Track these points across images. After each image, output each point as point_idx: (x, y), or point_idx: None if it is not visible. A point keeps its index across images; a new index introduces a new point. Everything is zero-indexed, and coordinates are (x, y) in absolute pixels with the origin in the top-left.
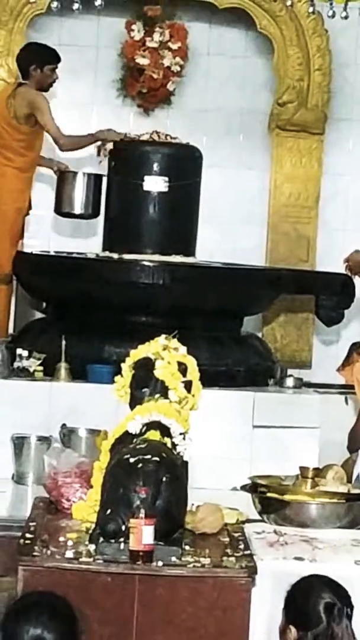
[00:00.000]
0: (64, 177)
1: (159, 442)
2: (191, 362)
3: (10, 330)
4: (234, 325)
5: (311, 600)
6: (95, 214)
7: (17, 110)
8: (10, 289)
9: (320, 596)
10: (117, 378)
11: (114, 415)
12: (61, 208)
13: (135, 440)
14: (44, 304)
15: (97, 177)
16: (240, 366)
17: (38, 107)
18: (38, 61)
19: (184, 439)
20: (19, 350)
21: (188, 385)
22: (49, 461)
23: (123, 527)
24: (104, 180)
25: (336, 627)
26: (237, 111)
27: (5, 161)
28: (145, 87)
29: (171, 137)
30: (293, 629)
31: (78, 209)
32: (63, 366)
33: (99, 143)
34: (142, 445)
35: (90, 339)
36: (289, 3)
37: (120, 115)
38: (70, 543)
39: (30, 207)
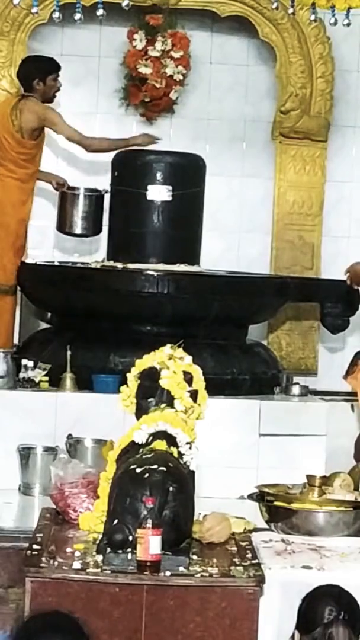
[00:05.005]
0: (65, 197)
1: (166, 451)
2: (197, 371)
3: (15, 341)
4: (239, 333)
5: (313, 606)
6: (97, 232)
7: (24, 124)
8: (15, 299)
9: (321, 601)
10: (123, 388)
11: (120, 425)
12: (63, 228)
13: (141, 450)
14: (49, 314)
15: (99, 197)
16: (246, 374)
17: (52, 121)
18: (39, 74)
19: (190, 448)
20: (24, 361)
21: (194, 395)
22: (55, 472)
23: (130, 538)
24: (106, 197)
25: (333, 631)
26: (240, 119)
27: (6, 172)
28: (148, 96)
29: None
30: (297, 634)
31: (79, 229)
32: (68, 376)
33: None
34: (149, 455)
35: (96, 349)
36: (290, 11)
37: (124, 125)
38: (77, 554)
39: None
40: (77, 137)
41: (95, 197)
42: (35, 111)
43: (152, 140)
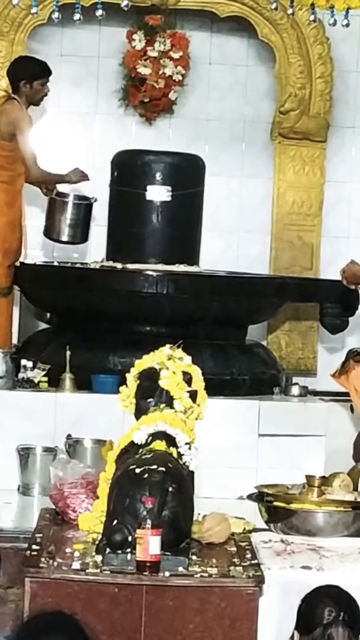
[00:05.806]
0: (54, 203)
1: (165, 452)
2: (196, 372)
3: (15, 341)
4: (239, 334)
5: (312, 607)
6: (84, 240)
7: (2, 127)
8: (11, 300)
9: (320, 602)
10: (122, 388)
11: (119, 426)
12: (50, 234)
13: (141, 450)
14: (48, 315)
15: (87, 205)
16: (245, 375)
17: (20, 129)
18: (27, 77)
19: (189, 448)
20: (23, 361)
21: (193, 395)
22: (54, 472)
23: (130, 538)
24: (94, 206)
25: (333, 632)
26: (239, 120)
27: None
28: (147, 96)
29: None
30: (297, 634)
31: (66, 236)
32: (68, 377)
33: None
34: (148, 456)
35: (95, 349)
36: (289, 11)
37: (123, 125)
38: (76, 554)
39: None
40: (29, 159)
41: (84, 205)
42: (10, 116)
43: (83, 176)
